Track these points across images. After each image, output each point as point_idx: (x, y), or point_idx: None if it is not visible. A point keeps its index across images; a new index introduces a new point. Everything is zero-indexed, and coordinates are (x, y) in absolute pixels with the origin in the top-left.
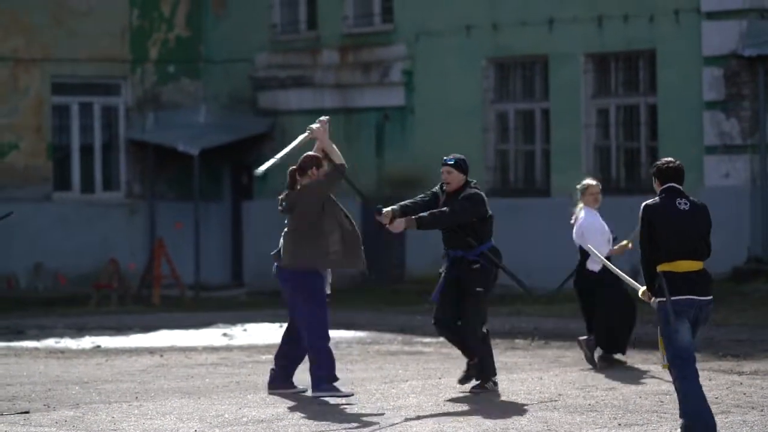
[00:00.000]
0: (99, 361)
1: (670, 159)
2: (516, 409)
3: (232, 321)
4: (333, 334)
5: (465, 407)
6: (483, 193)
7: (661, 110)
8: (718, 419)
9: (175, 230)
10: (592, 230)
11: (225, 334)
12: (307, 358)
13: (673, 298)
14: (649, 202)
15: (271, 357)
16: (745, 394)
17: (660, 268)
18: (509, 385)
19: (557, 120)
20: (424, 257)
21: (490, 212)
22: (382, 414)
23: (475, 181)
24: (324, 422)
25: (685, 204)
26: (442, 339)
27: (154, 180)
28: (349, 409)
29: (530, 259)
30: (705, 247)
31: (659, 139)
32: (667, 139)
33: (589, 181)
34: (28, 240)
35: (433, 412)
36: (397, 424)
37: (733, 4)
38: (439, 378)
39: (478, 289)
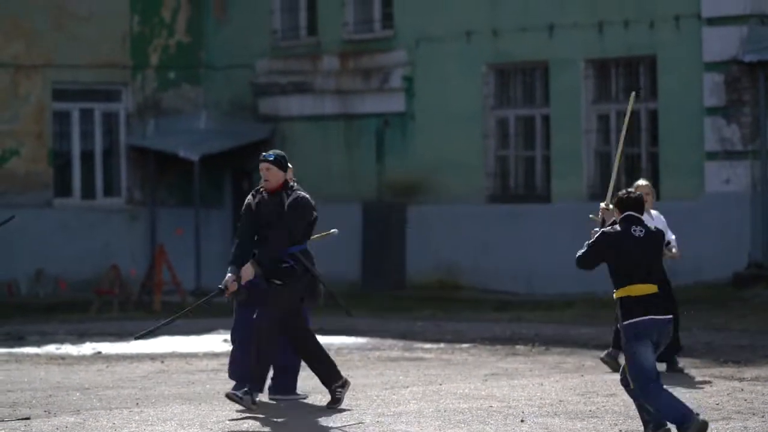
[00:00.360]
0: (100, 368)
1: (630, 189)
2: (517, 416)
3: (226, 328)
4: (334, 340)
5: (466, 414)
6: (308, 195)
7: (662, 116)
8: (719, 425)
9: (176, 236)
10: None
11: (226, 340)
12: (303, 365)
13: (634, 320)
14: (607, 229)
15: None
16: (746, 400)
17: (617, 294)
18: (510, 391)
19: (557, 126)
20: (425, 263)
21: (315, 214)
22: (383, 420)
23: (295, 180)
24: (324, 428)
25: (640, 231)
26: (443, 345)
27: (154, 186)
28: (349, 416)
29: (531, 265)
30: (659, 270)
31: (660, 144)
32: (667, 144)
33: (639, 182)
34: (29, 246)
35: (433, 419)
36: (397, 430)
37: (733, 10)
38: (440, 384)
39: (276, 282)
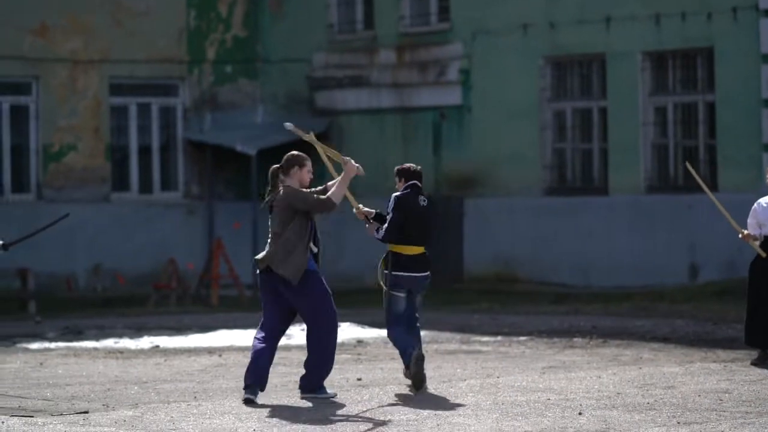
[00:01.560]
0: (158, 361)
1: (411, 164)
2: (575, 408)
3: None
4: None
5: (524, 407)
6: None
7: (720, 108)
8: None
9: (234, 230)
10: (752, 210)
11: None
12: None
13: (401, 274)
14: (399, 194)
15: None
16: None
17: (392, 248)
18: (568, 384)
19: (615, 118)
20: (483, 256)
21: None
22: (441, 412)
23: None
24: (382, 420)
25: (424, 201)
26: (500, 338)
27: (212, 180)
28: (407, 408)
29: (588, 257)
30: (430, 235)
31: (717, 137)
32: (725, 137)
33: None
34: (87, 241)
35: (491, 412)
36: (455, 423)
37: None
38: (498, 377)
39: None
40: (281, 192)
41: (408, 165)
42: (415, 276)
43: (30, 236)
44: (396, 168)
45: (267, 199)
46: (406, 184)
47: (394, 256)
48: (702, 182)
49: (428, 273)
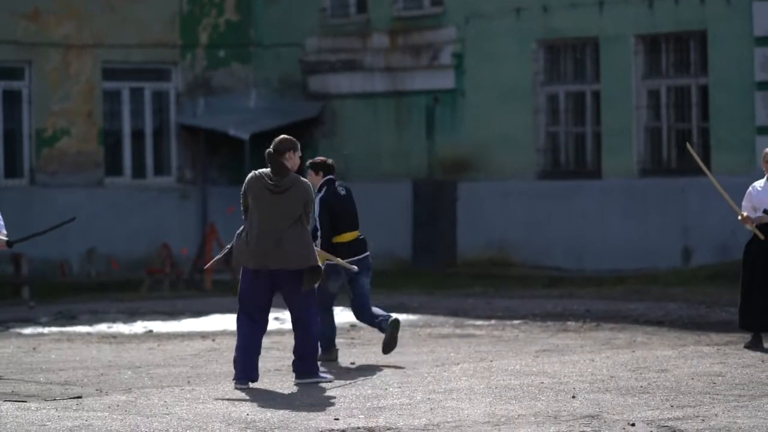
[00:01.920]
0: (151, 346)
1: (324, 157)
2: (568, 392)
3: (284, 305)
4: None
5: (517, 390)
6: None
7: (713, 91)
8: None
9: (227, 215)
10: (747, 194)
11: (277, 318)
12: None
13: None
14: (322, 196)
15: None
16: None
17: (336, 239)
18: (561, 367)
19: (608, 102)
20: (476, 240)
21: None
22: (434, 396)
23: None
24: (376, 404)
25: (342, 190)
26: (494, 322)
27: (205, 165)
28: (400, 392)
29: (582, 241)
30: (356, 219)
31: (711, 120)
32: (718, 120)
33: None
34: (81, 226)
35: (484, 395)
36: (448, 406)
37: None
38: (491, 361)
39: None
40: (303, 184)
41: (322, 158)
42: (359, 258)
43: (35, 236)
44: (309, 161)
45: (281, 181)
46: (324, 179)
47: (333, 247)
48: (702, 164)
49: (367, 253)
